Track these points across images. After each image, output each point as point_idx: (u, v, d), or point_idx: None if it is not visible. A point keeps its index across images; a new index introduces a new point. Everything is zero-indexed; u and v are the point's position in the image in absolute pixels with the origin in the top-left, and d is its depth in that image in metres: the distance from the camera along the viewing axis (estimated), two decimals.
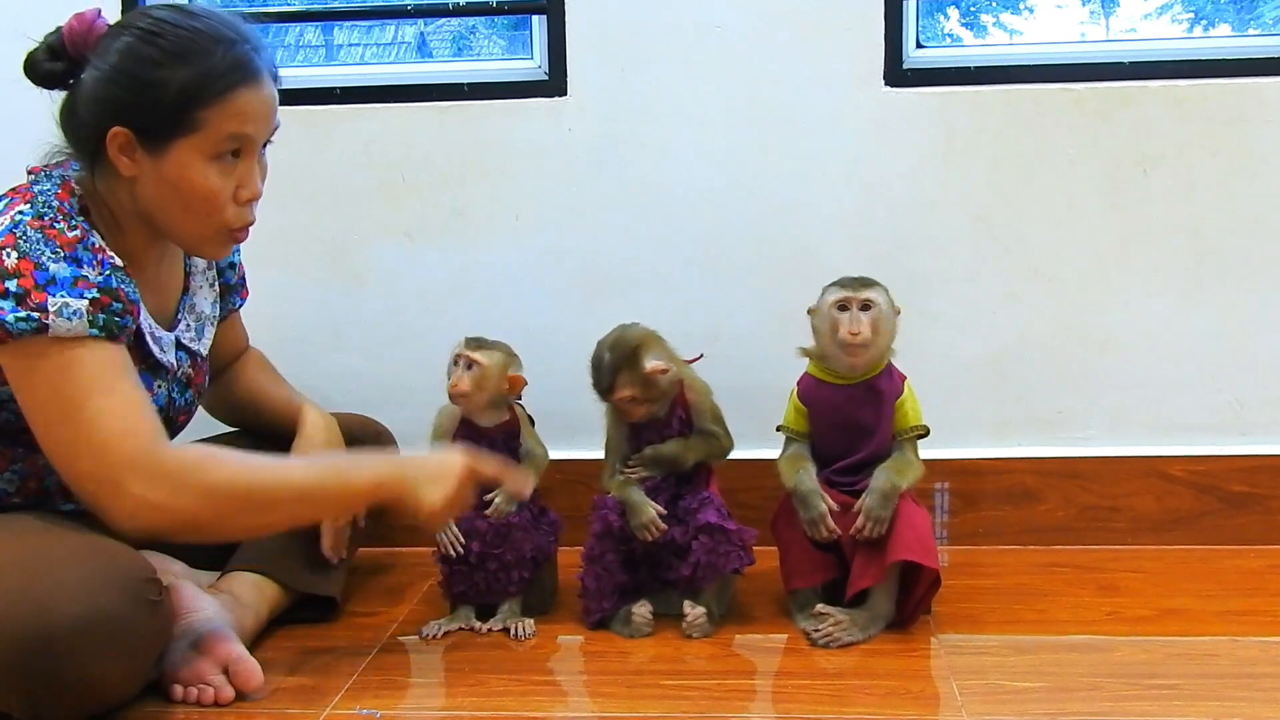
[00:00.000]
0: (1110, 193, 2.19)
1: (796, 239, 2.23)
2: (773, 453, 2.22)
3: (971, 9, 2.38)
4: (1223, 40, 2.28)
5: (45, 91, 1.67)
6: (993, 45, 2.32)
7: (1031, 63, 2.21)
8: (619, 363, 1.85)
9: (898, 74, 2.19)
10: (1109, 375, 2.23)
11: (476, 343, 1.90)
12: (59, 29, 1.66)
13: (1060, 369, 2.23)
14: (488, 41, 2.56)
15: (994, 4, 2.26)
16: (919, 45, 2.26)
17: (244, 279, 1.98)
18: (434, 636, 1.88)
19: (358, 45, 2.91)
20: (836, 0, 2.17)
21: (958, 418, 2.24)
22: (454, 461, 1.71)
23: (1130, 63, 2.18)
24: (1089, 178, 2.19)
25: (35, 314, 1.50)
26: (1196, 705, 1.60)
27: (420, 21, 2.50)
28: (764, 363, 2.23)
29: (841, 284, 1.87)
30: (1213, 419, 2.22)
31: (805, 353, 1.93)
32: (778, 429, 1.94)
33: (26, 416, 1.57)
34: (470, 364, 1.87)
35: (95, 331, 1.54)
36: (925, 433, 1.90)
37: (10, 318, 1.49)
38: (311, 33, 2.87)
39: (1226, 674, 1.71)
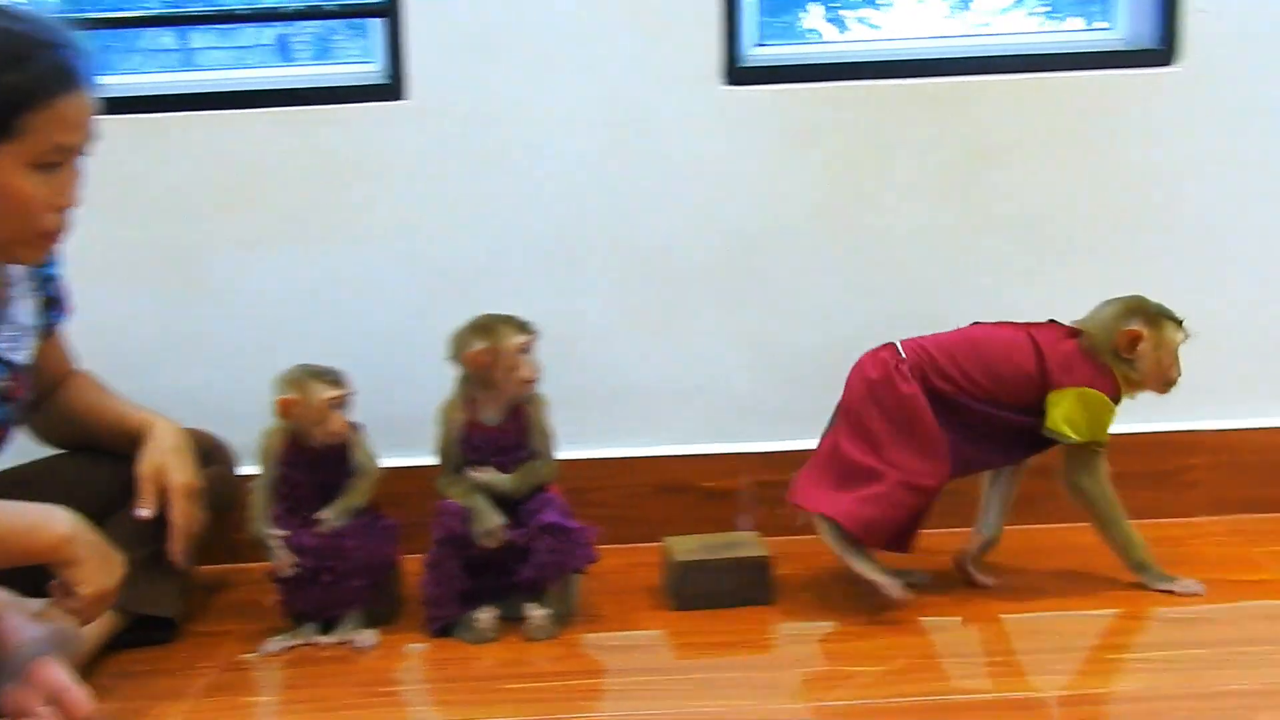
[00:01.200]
0: (951, 185, 2.20)
1: (648, 238, 2.21)
2: (628, 451, 2.22)
3: (833, 4, 2.37)
4: (1059, 35, 2.30)
5: None
6: (831, 43, 2.32)
7: (869, 59, 2.22)
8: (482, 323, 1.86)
9: (736, 72, 2.17)
10: None
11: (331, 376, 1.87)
12: None
13: None
14: (348, 44, 2.49)
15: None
16: (761, 43, 2.26)
17: (66, 294, 1.90)
18: (275, 653, 1.82)
19: (216, 49, 2.80)
20: (677, 1, 2.15)
21: (806, 409, 2.22)
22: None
23: (967, 57, 2.20)
24: (929, 171, 2.20)
25: None
26: (1025, 679, 1.62)
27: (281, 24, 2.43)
28: (621, 362, 2.23)
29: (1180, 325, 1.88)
30: None
31: (1108, 359, 1.88)
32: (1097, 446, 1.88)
33: None
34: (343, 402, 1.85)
35: None
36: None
37: None
38: (167, 36, 2.76)
39: (1057, 649, 1.74)
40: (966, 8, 2.43)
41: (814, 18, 2.50)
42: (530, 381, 1.87)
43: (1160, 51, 2.17)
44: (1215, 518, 2.23)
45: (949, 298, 2.20)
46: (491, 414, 1.89)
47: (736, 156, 2.19)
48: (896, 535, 1.89)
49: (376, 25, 2.21)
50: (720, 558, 1.95)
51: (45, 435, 1.95)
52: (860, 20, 2.48)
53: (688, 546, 1.99)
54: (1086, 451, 1.87)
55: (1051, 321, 1.93)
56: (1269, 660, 1.67)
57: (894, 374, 1.87)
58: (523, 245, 2.20)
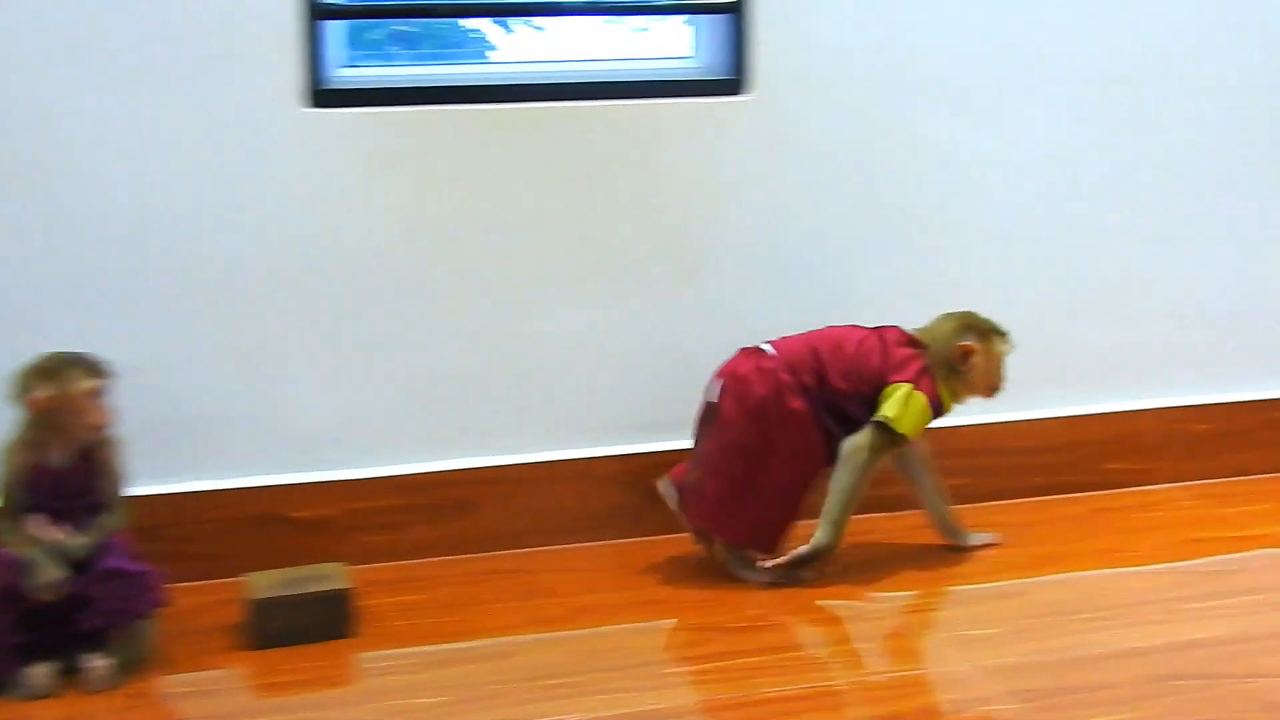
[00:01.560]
0: (535, 207, 2.22)
1: (226, 265, 2.13)
2: (210, 484, 2.14)
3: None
4: (629, 64, 2.35)
5: None
6: (418, 66, 2.30)
7: (453, 84, 2.22)
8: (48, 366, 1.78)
9: (320, 94, 2.12)
10: (540, 383, 2.27)
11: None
12: None
13: (493, 380, 2.25)
14: None
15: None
16: (351, 65, 2.23)
17: None
18: None
19: None
20: (254, 22, 2.07)
21: (399, 434, 2.22)
22: None
23: (550, 84, 2.23)
24: (514, 193, 2.21)
25: None
26: (587, 700, 1.66)
27: None
28: (201, 392, 2.14)
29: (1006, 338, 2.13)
30: (642, 419, 2.30)
31: (937, 367, 2.09)
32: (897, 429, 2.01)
33: None
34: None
35: None
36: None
37: None
38: None
39: (619, 666, 1.78)
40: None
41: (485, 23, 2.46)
42: (100, 427, 1.79)
43: (733, 81, 2.27)
44: None
45: (538, 319, 2.25)
46: (59, 457, 1.79)
47: (321, 180, 2.14)
48: (779, 537, 2.05)
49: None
50: (299, 593, 1.90)
51: None
52: (525, 23, 2.47)
53: (268, 582, 1.93)
54: (887, 436, 2.02)
55: (895, 326, 2.13)
56: None
57: (784, 390, 2.00)
58: (91, 273, 2.07)
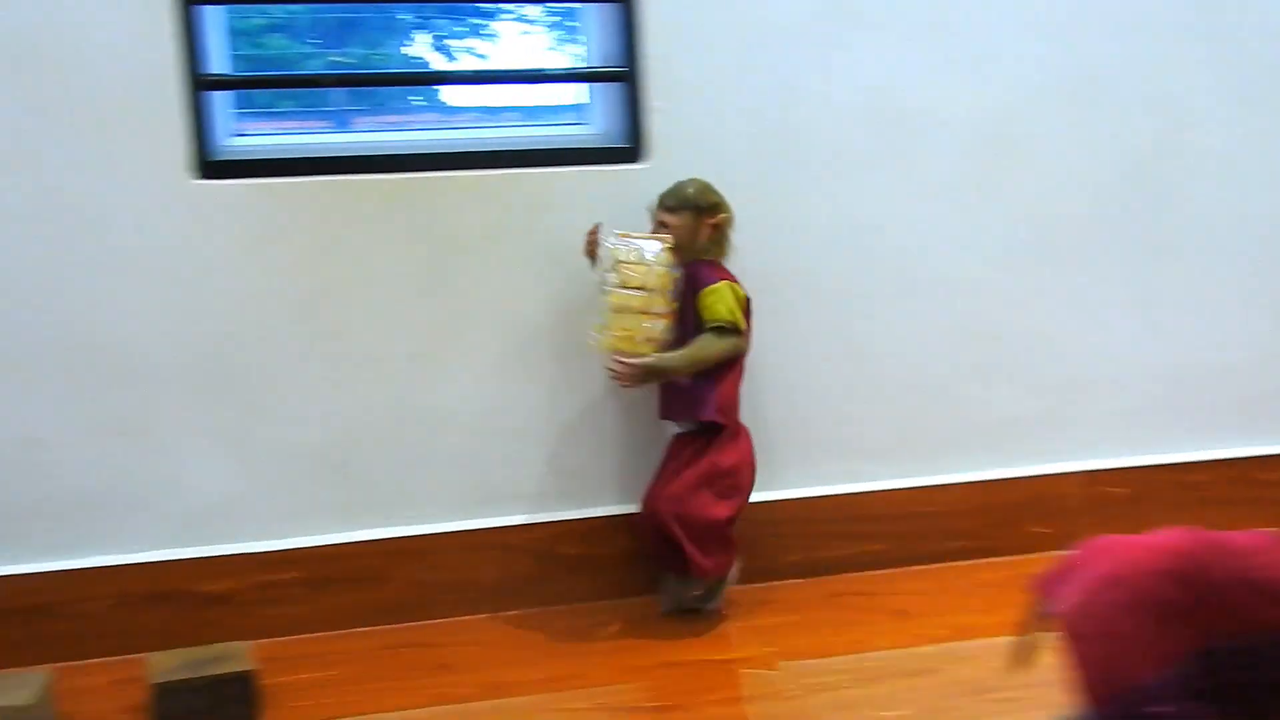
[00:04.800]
0: (429, 277, 2.07)
1: (113, 338, 1.96)
2: (91, 561, 1.96)
3: (440, 34, 2.20)
4: (518, 132, 2.22)
5: None
6: (310, 135, 2.16)
7: (346, 154, 2.06)
8: None
9: (208, 165, 1.97)
10: (445, 452, 2.10)
11: None
12: None
13: (397, 451, 2.08)
14: None
15: (463, 31, 2.12)
16: (240, 134, 2.07)
17: None
18: None
19: None
20: (137, 94, 1.92)
21: (301, 506, 2.03)
22: None
23: (441, 153, 2.08)
24: (407, 263, 2.06)
25: None
26: None
27: None
28: (84, 468, 1.96)
29: None
30: (541, 487, 2.14)
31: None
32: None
33: None
34: None
35: None
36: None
37: None
38: None
39: None
40: (573, 40, 2.30)
41: (420, 46, 2.31)
42: None
43: (628, 148, 2.12)
44: None
45: (441, 389, 2.08)
46: None
47: (211, 252, 1.98)
48: None
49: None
50: (201, 675, 1.74)
51: None
52: (468, 50, 2.32)
53: (170, 664, 1.77)
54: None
55: None
56: None
57: None
58: None
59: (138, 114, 1.92)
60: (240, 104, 2.09)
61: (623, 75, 2.11)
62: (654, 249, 1.92)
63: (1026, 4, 2.24)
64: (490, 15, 2.31)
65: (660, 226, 1.99)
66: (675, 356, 1.93)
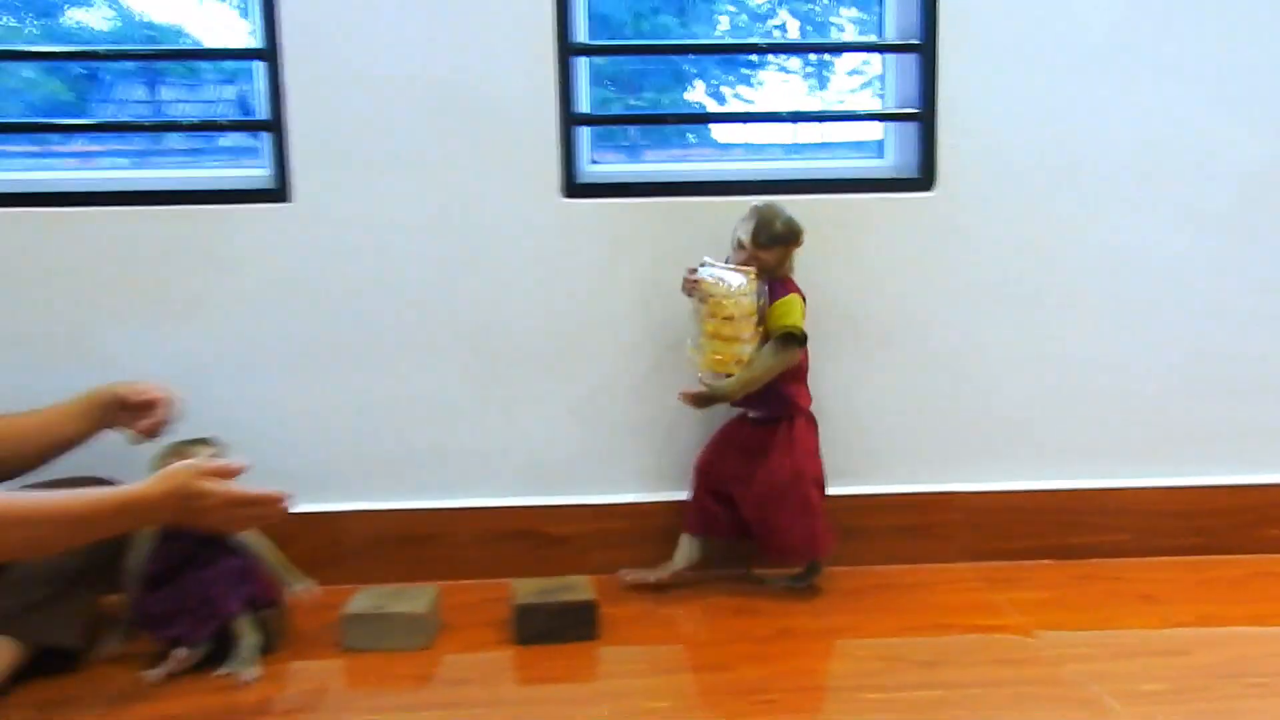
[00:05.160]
0: None
1: (491, 325, 2.24)
2: (467, 502, 2.24)
3: (713, 81, 2.43)
4: (829, 163, 2.38)
5: None
6: (650, 164, 2.38)
7: (680, 180, 2.28)
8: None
9: (573, 187, 2.22)
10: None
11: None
12: None
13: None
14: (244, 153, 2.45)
15: (731, 79, 2.34)
16: (593, 162, 2.31)
17: None
18: (155, 681, 1.81)
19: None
20: (525, 129, 2.19)
21: (623, 469, 2.29)
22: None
23: (753, 181, 2.27)
24: None
25: None
26: (789, 716, 1.66)
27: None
28: (464, 426, 2.26)
29: None
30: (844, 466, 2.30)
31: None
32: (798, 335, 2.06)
33: None
34: None
35: None
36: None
37: None
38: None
39: (819, 686, 1.78)
40: (824, 87, 2.51)
41: (698, 92, 2.56)
42: None
43: (920, 179, 2.27)
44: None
45: (623, 391, 2.20)
46: None
47: (571, 257, 2.23)
48: None
49: (266, 138, 2.21)
50: (553, 600, 1.96)
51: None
52: (736, 96, 2.55)
53: (527, 589, 2.00)
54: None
55: None
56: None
57: None
58: (385, 330, 2.22)
59: (524, 145, 2.19)
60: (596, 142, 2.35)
61: (919, 116, 2.26)
62: (739, 281, 2.01)
63: None
64: (759, 65, 2.49)
65: (751, 259, 2.06)
66: (729, 384, 2.04)
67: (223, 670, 1.82)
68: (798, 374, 2.12)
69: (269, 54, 2.15)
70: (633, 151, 2.46)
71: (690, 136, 2.50)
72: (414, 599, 1.98)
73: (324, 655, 1.91)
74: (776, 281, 2.08)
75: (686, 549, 2.19)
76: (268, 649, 1.88)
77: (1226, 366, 2.36)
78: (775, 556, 2.18)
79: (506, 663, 1.89)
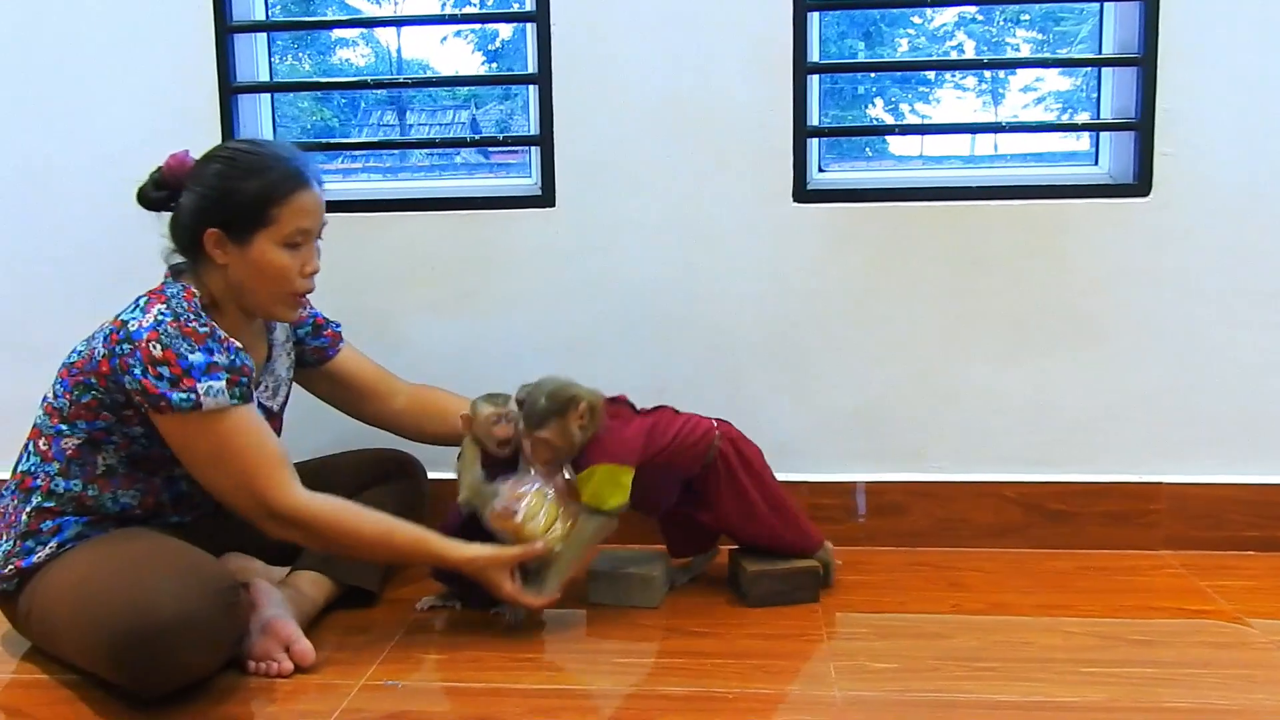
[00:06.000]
0: (953, 284, 2.19)
1: (720, 319, 2.24)
2: None
3: (891, 100, 2.38)
4: (1035, 170, 2.26)
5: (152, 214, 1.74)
6: (872, 171, 2.32)
7: (899, 186, 2.21)
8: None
9: (803, 193, 2.19)
10: (955, 420, 2.23)
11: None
12: (159, 168, 1.70)
13: (918, 415, 2.23)
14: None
15: (909, 97, 2.28)
16: (820, 169, 2.27)
17: (326, 323, 1.98)
18: (424, 610, 1.90)
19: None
20: (762, 140, 2.17)
21: (844, 450, 2.24)
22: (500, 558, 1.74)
23: (969, 187, 2.19)
24: (939, 272, 2.19)
25: (190, 395, 1.54)
26: (1011, 685, 1.61)
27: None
28: (700, 409, 2.23)
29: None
30: (1034, 454, 2.22)
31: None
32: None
33: (188, 467, 1.63)
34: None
35: (235, 400, 1.58)
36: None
37: (175, 397, 1.54)
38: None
39: (1036, 659, 1.71)
40: (998, 103, 2.41)
41: (877, 109, 2.51)
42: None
43: (1136, 185, 2.14)
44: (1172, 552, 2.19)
45: (946, 369, 2.20)
46: None
47: (798, 258, 2.20)
48: None
49: (534, 151, 2.27)
50: (781, 567, 1.94)
51: (398, 428, 2.05)
52: (913, 110, 2.48)
53: (755, 556, 1.96)
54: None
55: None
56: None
57: None
58: (626, 325, 2.24)
59: (761, 154, 2.17)
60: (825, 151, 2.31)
61: (1136, 125, 2.13)
62: (526, 504, 1.76)
63: None
64: (935, 84, 2.39)
65: (538, 444, 1.78)
66: (564, 563, 1.77)
67: (494, 610, 1.87)
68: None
69: (541, 79, 2.19)
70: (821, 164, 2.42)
71: (868, 150, 2.44)
72: (649, 562, 1.98)
73: (573, 606, 1.93)
74: (583, 453, 1.79)
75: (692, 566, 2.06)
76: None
77: None
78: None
79: (738, 619, 1.88)
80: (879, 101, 2.50)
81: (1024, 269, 2.17)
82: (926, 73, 2.33)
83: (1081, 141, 2.30)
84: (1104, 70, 2.22)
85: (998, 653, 1.73)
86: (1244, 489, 2.17)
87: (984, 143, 2.38)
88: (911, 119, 2.38)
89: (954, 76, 2.33)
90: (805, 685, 1.62)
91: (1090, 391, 2.19)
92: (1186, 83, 2.09)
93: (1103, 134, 2.22)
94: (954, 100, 2.44)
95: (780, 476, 2.22)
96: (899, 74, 2.29)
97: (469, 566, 1.73)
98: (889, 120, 2.34)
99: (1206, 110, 2.10)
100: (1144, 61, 2.10)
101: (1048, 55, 2.38)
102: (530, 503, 1.77)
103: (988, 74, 2.29)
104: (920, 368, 2.22)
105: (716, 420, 1.94)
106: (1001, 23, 2.40)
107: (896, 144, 2.47)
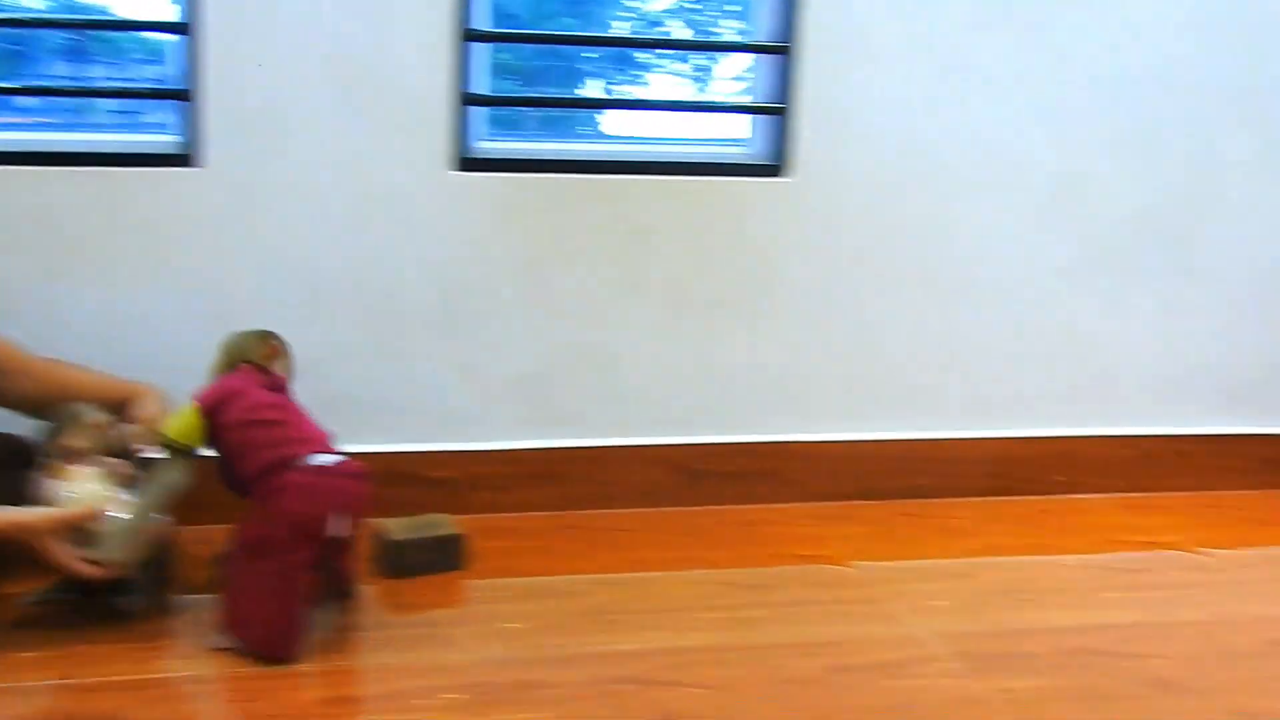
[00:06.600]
0: (615, 254, 2.28)
1: (384, 283, 2.21)
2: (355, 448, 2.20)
3: (608, 83, 2.41)
4: (694, 149, 2.38)
5: None
6: (535, 143, 2.35)
7: (562, 158, 2.26)
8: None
9: (463, 161, 2.19)
10: (614, 386, 2.32)
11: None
12: None
13: (579, 383, 2.31)
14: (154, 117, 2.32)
15: (623, 79, 2.33)
16: (483, 139, 2.27)
17: None
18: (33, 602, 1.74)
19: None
20: (423, 100, 2.14)
21: (507, 418, 2.29)
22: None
23: (631, 161, 2.27)
24: (601, 243, 2.27)
25: None
26: (634, 635, 1.70)
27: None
28: (353, 376, 2.22)
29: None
30: (687, 418, 2.36)
31: None
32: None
33: None
34: None
35: None
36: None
37: None
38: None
39: (661, 609, 1.83)
40: (706, 88, 2.50)
41: (593, 90, 2.54)
42: None
43: (779, 165, 2.30)
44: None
45: (607, 335, 2.29)
46: None
47: (460, 227, 2.20)
48: None
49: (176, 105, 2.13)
50: (425, 536, 1.96)
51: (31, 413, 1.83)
52: (626, 93, 2.54)
53: (399, 526, 1.97)
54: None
55: None
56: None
57: None
58: (292, 287, 2.17)
59: (426, 119, 2.14)
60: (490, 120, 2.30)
61: (780, 109, 2.28)
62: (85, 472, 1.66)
63: (1097, 67, 2.36)
64: (649, 68, 2.50)
65: None
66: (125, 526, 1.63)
67: (115, 599, 1.72)
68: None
69: (189, 27, 2.06)
70: (534, 138, 2.44)
71: (584, 129, 2.49)
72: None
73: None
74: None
75: None
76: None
77: (1029, 338, 2.47)
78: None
79: (378, 593, 1.88)
80: (597, 83, 2.53)
81: (681, 242, 2.28)
82: (640, 55, 2.38)
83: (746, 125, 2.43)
84: (758, 57, 2.35)
85: (627, 606, 1.84)
86: (867, 445, 2.41)
87: (694, 124, 2.47)
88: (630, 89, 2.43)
89: (669, 63, 2.41)
90: (434, 651, 1.66)
91: (739, 357, 2.35)
92: (823, 70, 2.26)
93: (759, 117, 2.36)
94: (668, 85, 2.52)
95: (445, 447, 2.24)
96: (615, 54, 2.33)
97: (7, 531, 1.57)
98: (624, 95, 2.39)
99: (846, 96, 2.28)
100: (787, 50, 2.25)
101: (699, 39, 2.49)
102: (89, 472, 1.65)
103: (702, 60, 2.42)
104: (583, 336, 2.29)
105: (346, 457, 1.69)
106: (711, 14, 2.50)
107: (610, 123, 2.53)
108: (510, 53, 2.36)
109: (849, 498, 2.40)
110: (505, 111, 2.34)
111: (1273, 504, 2.49)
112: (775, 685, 1.59)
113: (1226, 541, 2.25)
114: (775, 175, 2.30)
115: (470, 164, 2.20)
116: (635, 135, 2.49)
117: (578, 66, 2.46)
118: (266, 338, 1.81)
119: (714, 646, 1.70)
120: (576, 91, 2.49)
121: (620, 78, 2.51)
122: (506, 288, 2.25)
